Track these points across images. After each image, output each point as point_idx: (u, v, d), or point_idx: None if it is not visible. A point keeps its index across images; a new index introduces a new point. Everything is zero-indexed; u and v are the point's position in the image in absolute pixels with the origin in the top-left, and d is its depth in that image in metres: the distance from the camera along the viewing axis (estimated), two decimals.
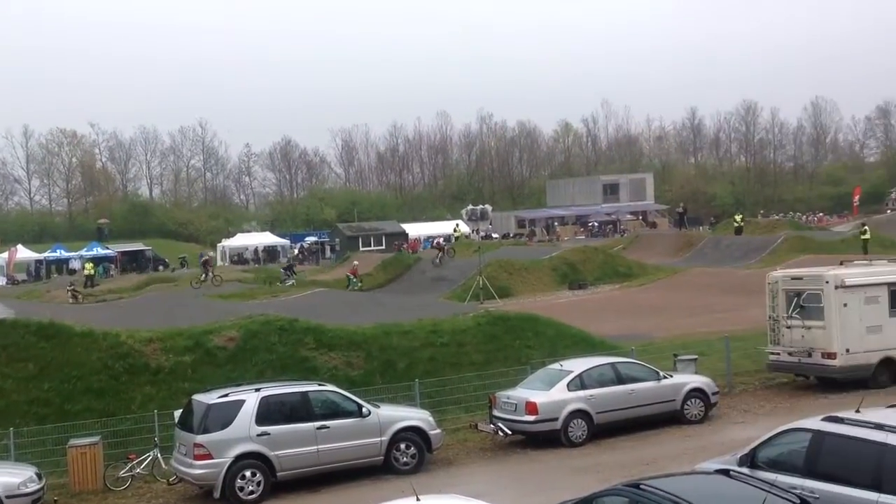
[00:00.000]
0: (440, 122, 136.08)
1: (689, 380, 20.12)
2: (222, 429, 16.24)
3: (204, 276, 50.22)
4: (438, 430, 18.03)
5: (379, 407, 17.76)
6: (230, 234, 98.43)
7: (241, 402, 16.52)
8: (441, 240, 57.96)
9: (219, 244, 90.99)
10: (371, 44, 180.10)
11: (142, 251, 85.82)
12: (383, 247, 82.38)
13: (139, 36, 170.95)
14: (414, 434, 17.51)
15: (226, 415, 16.36)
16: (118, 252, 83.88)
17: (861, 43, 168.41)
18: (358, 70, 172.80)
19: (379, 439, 17.21)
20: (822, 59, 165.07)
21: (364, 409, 17.29)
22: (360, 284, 49.54)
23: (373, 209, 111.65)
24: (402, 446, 17.39)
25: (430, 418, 18.05)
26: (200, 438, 16.13)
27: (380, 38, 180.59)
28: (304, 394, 17.21)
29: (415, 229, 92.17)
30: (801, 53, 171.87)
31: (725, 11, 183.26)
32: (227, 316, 25.55)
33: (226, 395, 16.65)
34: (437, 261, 52.27)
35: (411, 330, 23.94)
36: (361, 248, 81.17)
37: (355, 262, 54.71)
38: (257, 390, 16.88)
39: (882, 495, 10.00)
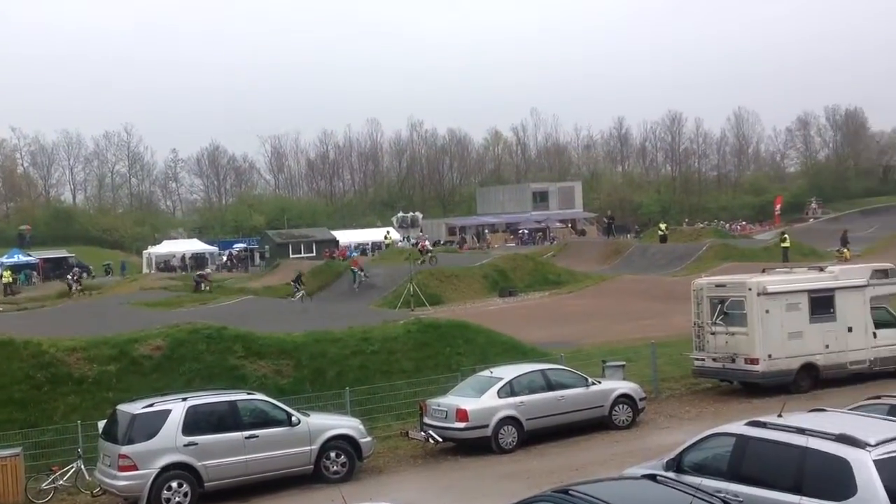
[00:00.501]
0: (371, 129, 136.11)
1: (617, 386, 20.37)
2: (148, 439, 15.94)
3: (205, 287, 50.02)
4: (369, 438, 17.96)
5: (309, 415, 17.61)
6: (156, 241, 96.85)
7: (168, 411, 16.25)
8: (427, 242, 57.56)
9: (144, 251, 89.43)
10: (300, 50, 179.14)
11: (65, 258, 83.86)
12: (314, 254, 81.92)
13: (62, 38, 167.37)
14: (344, 442, 17.40)
15: (151, 425, 16.06)
16: (40, 259, 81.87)
17: (782, 57, 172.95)
18: (287, 76, 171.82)
19: (309, 448, 17.07)
20: (744, 72, 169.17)
21: (294, 418, 17.13)
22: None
23: (303, 216, 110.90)
24: (333, 455, 17.27)
25: (361, 426, 17.97)
26: (125, 449, 15.81)
27: (309, 44, 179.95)
28: (233, 403, 16.98)
29: (345, 236, 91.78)
30: (725, 66, 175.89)
31: (650, 25, 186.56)
32: (154, 324, 25.11)
33: (151, 405, 16.35)
34: (429, 262, 51.72)
35: (342, 338, 23.80)
36: (291, 255, 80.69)
37: (355, 255, 54.42)
38: (184, 400, 16.61)
39: (803, 498, 10.22)
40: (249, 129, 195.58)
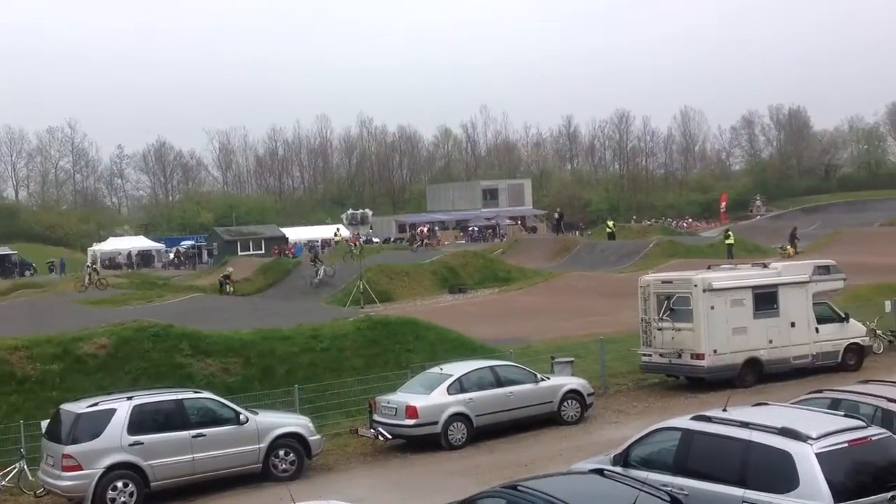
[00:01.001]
0: (320, 126, 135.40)
1: (566, 382, 20.51)
2: (92, 439, 15.72)
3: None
4: (318, 436, 17.87)
5: (257, 413, 17.49)
6: (102, 239, 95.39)
7: (112, 411, 16.03)
8: (424, 228, 57.63)
9: (90, 248, 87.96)
10: (248, 45, 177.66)
11: (7, 255, 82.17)
12: (262, 251, 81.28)
13: (5, 31, 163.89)
14: (293, 440, 17.31)
15: (96, 424, 15.84)
16: None
17: (727, 57, 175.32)
18: (235, 72, 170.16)
19: (257, 446, 16.94)
20: (690, 72, 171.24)
21: (241, 416, 17.00)
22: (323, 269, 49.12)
23: (252, 213, 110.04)
24: (281, 453, 17.16)
25: (310, 424, 17.88)
26: (69, 449, 15.56)
27: (258, 41, 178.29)
28: (179, 401, 16.79)
29: (295, 234, 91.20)
30: (671, 65, 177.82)
31: (599, 25, 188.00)
32: (99, 322, 24.73)
33: (96, 405, 16.13)
34: (415, 249, 51.87)
35: (291, 335, 23.67)
36: (240, 253, 79.92)
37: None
38: (129, 399, 16.40)
39: (747, 491, 10.40)
40: (197, 125, 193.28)
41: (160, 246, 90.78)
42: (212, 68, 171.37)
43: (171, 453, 16.15)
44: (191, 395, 17.29)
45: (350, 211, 46.63)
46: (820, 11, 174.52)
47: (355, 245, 50.77)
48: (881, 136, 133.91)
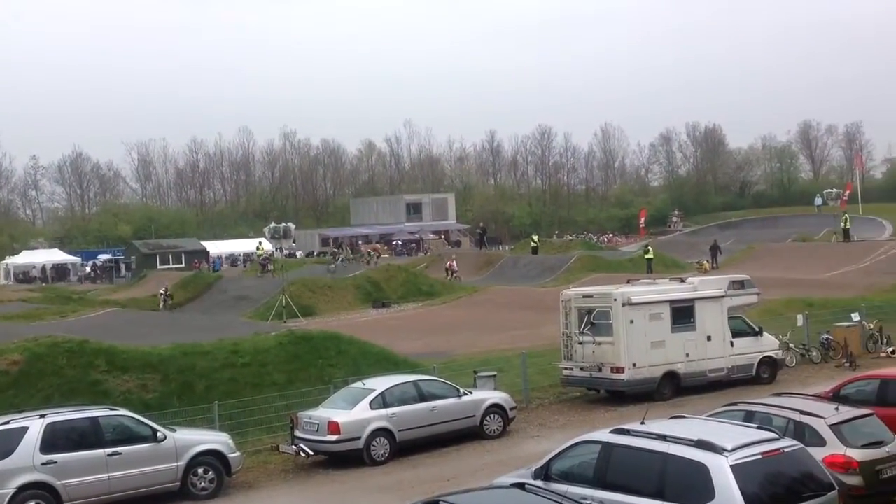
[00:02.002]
0: (242, 139, 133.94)
1: (489, 396, 20.61)
2: (3, 458, 15.26)
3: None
4: (238, 453, 17.62)
5: (175, 431, 17.17)
6: (15, 252, 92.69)
7: (24, 429, 15.59)
8: (359, 242, 59.94)
9: (2, 262, 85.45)
10: (167, 55, 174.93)
11: None
12: (183, 265, 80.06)
13: None
14: (212, 458, 17.02)
15: (7, 443, 15.39)
16: None
17: (647, 76, 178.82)
18: (155, 82, 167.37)
19: (175, 464, 16.63)
20: (610, 89, 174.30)
21: (159, 434, 16.67)
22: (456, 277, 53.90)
23: (172, 226, 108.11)
24: (200, 471, 16.86)
25: (230, 441, 17.63)
26: None
27: (177, 50, 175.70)
28: (94, 419, 16.39)
29: (216, 247, 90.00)
30: (592, 82, 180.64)
31: (521, 42, 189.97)
32: (10, 338, 23.99)
33: (7, 423, 15.70)
34: (332, 270, 53.23)
35: (211, 350, 23.30)
36: (159, 266, 78.60)
37: (453, 257, 58.56)
38: (42, 416, 15.96)
39: (665, 503, 10.57)
40: (115, 136, 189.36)
41: (76, 259, 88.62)
42: (131, 78, 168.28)
43: (85, 472, 15.76)
44: (106, 412, 16.90)
45: (273, 224, 46.35)
46: (735, 38, 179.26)
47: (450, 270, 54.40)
48: (793, 155, 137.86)
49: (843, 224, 60.07)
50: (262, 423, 20.51)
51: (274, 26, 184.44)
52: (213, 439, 17.46)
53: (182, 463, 16.67)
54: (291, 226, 46.23)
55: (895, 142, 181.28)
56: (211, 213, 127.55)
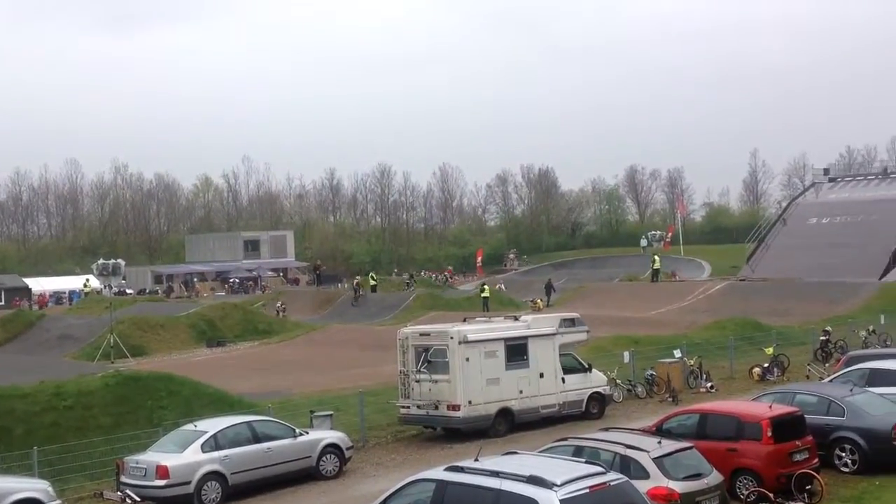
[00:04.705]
0: (70, 171, 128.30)
1: (325, 436, 20.43)
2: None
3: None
4: (58, 501, 16.80)
5: None
6: None
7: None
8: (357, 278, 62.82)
9: None
10: None
11: None
12: (2, 302, 75.96)
13: None
14: None
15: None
16: None
17: (484, 117, 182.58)
18: None
19: None
20: (449, 129, 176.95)
21: None
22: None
23: None
24: None
25: (50, 489, 16.78)
26: None
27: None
28: None
29: (40, 284, 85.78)
30: (431, 122, 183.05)
31: (358, 78, 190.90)
32: None
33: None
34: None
35: (31, 393, 22.18)
36: None
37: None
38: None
39: None
40: None
41: None
42: None
43: None
44: None
45: (101, 261, 44.76)
46: (570, 83, 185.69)
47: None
48: (620, 198, 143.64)
49: (652, 265, 62.65)
50: (85, 469, 19.61)
51: (104, 58, 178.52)
52: (31, 487, 16.59)
53: None
54: (121, 262, 44.96)
55: (714, 186, 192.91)
56: (34, 248, 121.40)
